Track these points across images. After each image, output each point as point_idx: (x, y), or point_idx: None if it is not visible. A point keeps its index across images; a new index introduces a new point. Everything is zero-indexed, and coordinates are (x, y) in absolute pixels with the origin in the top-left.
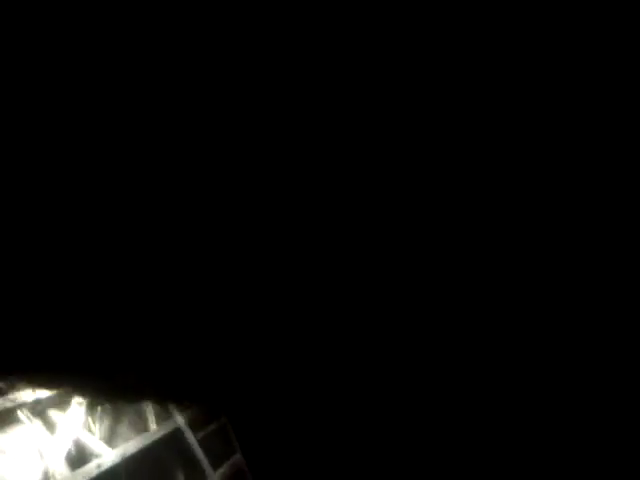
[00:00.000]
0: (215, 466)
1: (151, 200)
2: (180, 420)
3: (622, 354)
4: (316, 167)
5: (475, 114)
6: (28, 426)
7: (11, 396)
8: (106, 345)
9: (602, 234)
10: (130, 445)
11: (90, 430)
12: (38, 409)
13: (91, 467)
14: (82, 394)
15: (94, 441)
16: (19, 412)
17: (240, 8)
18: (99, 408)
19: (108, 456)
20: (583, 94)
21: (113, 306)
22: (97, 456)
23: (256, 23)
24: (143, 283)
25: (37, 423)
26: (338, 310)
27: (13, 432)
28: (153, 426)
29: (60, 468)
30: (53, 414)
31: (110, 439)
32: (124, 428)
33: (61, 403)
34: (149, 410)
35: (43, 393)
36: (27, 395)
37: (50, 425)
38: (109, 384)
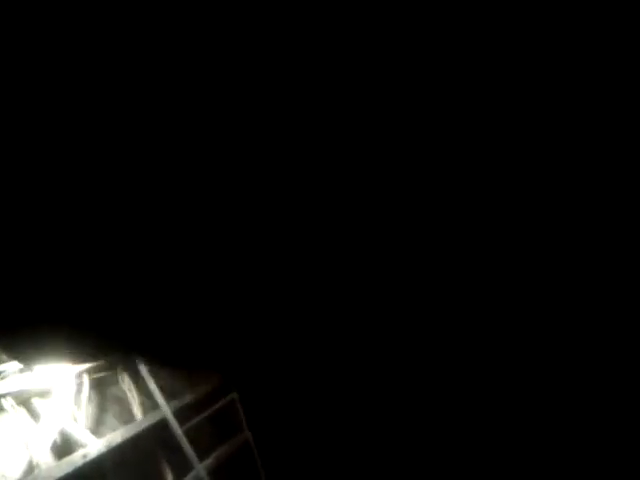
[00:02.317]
0: (201, 457)
1: (150, 190)
2: (166, 410)
3: (622, 354)
4: (316, 167)
5: (475, 114)
6: (12, 415)
7: None
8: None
9: (602, 234)
10: (116, 435)
11: (75, 419)
12: (23, 398)
13: (77, 457)
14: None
15: (80, 430)
16: (3, 401)
17: (240, 8)
18: (85, 397)
19: (94, 446)
20: (583, 94)
21: (110, 284)
22: (83, 446)
23: (256, 23)
24: (140, 264)
25: (22, 412)
26: (337, 300)
27: None
28: (139, 416)
29: (45, 458)
30: (38, 403)
31: (96, 429)
32: (110, 418)
33: (46, 392)
34: (135, 400)
35: (28, 382)
36: (11, 384)
37: (35, 414)
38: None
